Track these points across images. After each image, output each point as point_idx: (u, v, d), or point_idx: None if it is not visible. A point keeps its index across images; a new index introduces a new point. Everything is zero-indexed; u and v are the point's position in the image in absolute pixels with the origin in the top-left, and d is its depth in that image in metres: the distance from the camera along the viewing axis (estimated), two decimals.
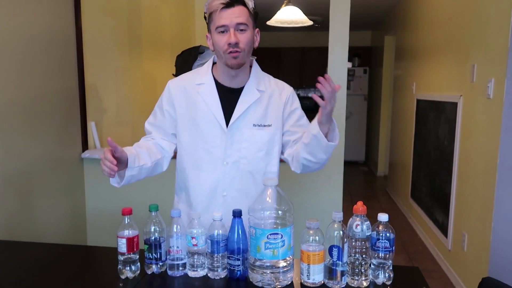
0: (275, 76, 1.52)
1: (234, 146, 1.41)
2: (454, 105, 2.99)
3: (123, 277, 1.24)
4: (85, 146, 2.63)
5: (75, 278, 1.28)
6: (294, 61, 7.52)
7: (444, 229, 3.19)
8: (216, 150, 1.41)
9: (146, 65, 3.49)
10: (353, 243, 1.19)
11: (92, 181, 2.65)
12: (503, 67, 2.24)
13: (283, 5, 3.42)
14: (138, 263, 1.27)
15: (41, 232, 2.28)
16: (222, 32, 1.31)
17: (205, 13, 1.36)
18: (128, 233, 1.23)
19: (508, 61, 2.19)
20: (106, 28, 2.91)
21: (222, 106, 1.41)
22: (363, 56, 7.20)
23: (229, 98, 1.41)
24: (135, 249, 1.24)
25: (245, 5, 1.32)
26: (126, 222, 1.24)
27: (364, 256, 1.19)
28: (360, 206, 1.19)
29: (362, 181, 6.17)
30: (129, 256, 1.24)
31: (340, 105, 2.51)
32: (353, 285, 1.20)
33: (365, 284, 1.20)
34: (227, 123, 1.40)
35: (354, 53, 7.32)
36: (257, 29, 1.40)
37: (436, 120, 3.45)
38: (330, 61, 2.48)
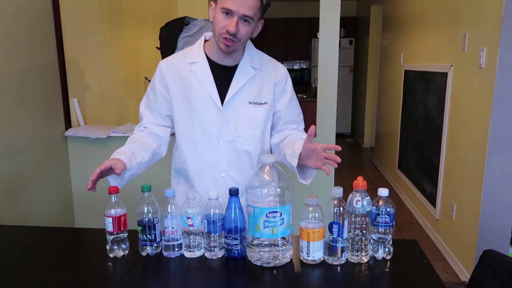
0: (259, 49, 1.47)
1: (230, 124, 1.38)
2: (444, 75, 2.97)
3: (112, 255, 1.22)
4: (68, 124, 2.53)
5: (64, 262, 1.23)
6: (279, 32, 7.38)
7: (432, 199, 3.23)
8: (212, 130, 1.37)
9: (128, 38, 3.35)
10: (353, 219, 1.17)
11: (77, 160, 2.57)
12: (496, 36, 2.21)
13: None
14: (128, 242, 1.24)
15: (26, 214, 2.21)
16: (226, 13, 1.24)
17: None
18: (114, 212, 1.20)
19: (501, 30, 2.16)
20: None
21: (217, 85, 1.36)
22: (349, 27, 7.11)
23: (223, 76, 1.37)
24: (122, 228, 1.22)
25: None
26: (113, 201, 1.21)
27: (364, 231, 1.17)
28: (360, 182, 1.16)
29: (349, 153, 6.21)
30: (117, 235, 1.22)
31: (332, 80, 2.47)
32: (353, 261, 1.18)
33: (365, 259, 1.18)
34: (222, 102, 1.36)
35: (339, 23, 7.19)
36: (262, 20, 1.34)
37: (425, 90, 3.44)
38: (321, 33, 2.41)
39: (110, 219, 1.20)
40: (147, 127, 1.45)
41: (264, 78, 1.40)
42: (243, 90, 1.37)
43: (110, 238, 1.22)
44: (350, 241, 1.18)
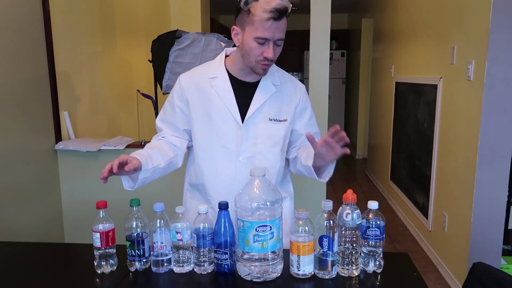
0: None
1: (250, 141, 1.37)
2: (434, 87, 3.00)
3: (99, 271, 1.20)
4: (58, 137, 2.52)
5: (51, 279, 1.21)
6: None
7: (424, 210, 3.23)
8: (231, 145, 1.37)
9: (120, 51, 3.35)
10: (343, 232, 1.16)
11: (67, 174, 2.55)
12: (484, 49, 2.24)
13: None
14: (116, 258, 1.23)
15: (14, 230, 2.17)
16: (261, 43, 1.25)
17: (241, 4, 1.25)
18: (102, 227, 1.19)
19: (489, 43, 2.19)
20: (75, 12, 2.76)
21: (237, 100, 1.36)
22: (341, 39, 7.19)
23: (244, 92, 1.37)
24: (110, 244, 1.21)
25: (286, 15, 1.26)
26: (101, 216, 1.20)
27: (354, 245, 1.17)
28: (350, 195, 1.16)
29: (341, 164, 6.22)
30: (105, 250, 1.20)
31: (323, 90, 2.48)
32: (343, 274, 1.18)
33: (355, 273, 1.17)
34: (242, 118, 1.36)
35: (331, 36, 7.25)
36: None
37: (416, 102, 3.47)
38: (312, 46, 2.43)
39: (97, 234, 1.19)
40: (165, 137, 1.45)
41: (284, 95, 1.41)
42: (264, 107, 1.37)
43: (97, 253, 1.20)
44: (341, 255, 1.18)
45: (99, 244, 1.19)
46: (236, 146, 1.37)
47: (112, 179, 1.24)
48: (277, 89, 1.40)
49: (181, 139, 1.45)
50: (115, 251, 1.22)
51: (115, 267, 1.22)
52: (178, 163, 1.44)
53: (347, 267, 1.17)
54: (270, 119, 1.38)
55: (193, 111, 1.39)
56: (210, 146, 1.39)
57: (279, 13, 1.20)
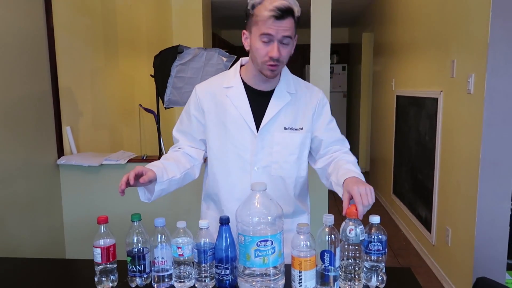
0: None
1: (265, 150, 1.37)
2: (435, 100, 3.01)
3: (100, 287, 1.19)
4: (60, 152, 2.52)
5: None
6: None
7: (427, 224, 3.21)
8: (246, 155, 1.37)
9: (122, 66, 3.38)
10: (346, 247, 1.15)
11: (69, 188, 2.55)
12: (483, 62, 2.25)
13: None
14: (117, 273, 1.22)
15: (15, 246, 2.16)
16: (266, 42, 1.25)
17: (248, 9, 1.28)
18: (103, 242, 1.18)
19: (488, 56, 2.21)
20: (79, 27, 2.80)
21: (252, 109, 1.37)
22: (341, 53, 7.24)
23: (259, 101, 1.38)
24: (111, 259, 1.20)
25: (293, 16, 1.26)
26: (102, 231, 1.19)
27: (357, 260, 1.16)
28: (353, 210, 1.15)
29: None
30: (106, 266, 1.19)
31: None
32: None
33: None
34: (257, 127, 1.36)
35: (332, 50, 7.26)
36: (296, 35, 1.35)
37: (417, 115, 3.47)
38: (312, 61, 2.45)
39: (98, 250, 1.18)
40: (181, 147, 1.45)
41: (299, 103, 1.41)
42: (279, 115, 1.37)
43: (98, 269, 1.19)
44: (343, 270, 1.17)
45: (100, 259, 1.18)
46: (251, 155, 1.37)
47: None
48: (292, 97, 1.39)
49: (197, 150, 1.45)
50: (116, 266, 1.22)
51: (115, 283, 1.21)
52: (194, 174, 1.44)
53: (349, 283, 1.16)
54: (285, 127, 1.38)
55: (209, 120, 1.40)
56: (225, 155, 1.39)
57: (280, 12, 1.21)
